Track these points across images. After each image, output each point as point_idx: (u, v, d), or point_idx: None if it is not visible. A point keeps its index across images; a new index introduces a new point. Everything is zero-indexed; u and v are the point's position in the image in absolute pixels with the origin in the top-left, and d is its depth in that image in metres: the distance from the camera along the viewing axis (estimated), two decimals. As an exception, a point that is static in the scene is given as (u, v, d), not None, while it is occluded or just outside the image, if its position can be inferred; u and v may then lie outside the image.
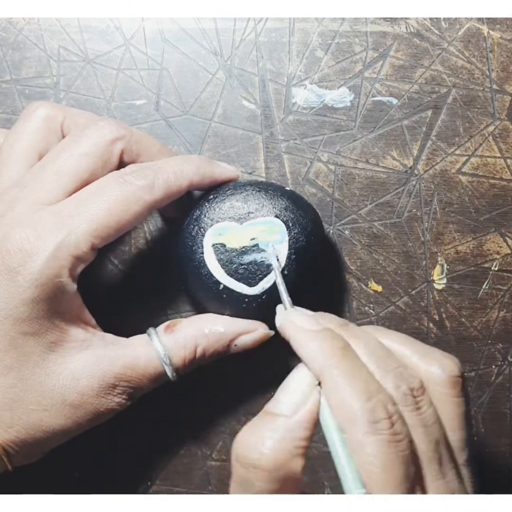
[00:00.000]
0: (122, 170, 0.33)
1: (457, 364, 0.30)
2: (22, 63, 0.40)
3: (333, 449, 0.28)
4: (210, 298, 0.35)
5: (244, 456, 0.27)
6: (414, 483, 0.27)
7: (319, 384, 0.29)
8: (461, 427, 0.29)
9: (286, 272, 0.34)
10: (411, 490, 0.27)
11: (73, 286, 0.32)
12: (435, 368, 0.30)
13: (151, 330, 0.34)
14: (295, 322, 0.31)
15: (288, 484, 0.27)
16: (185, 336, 0.34)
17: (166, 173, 0.33)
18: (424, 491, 0.27)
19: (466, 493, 0.28)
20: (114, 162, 0.33)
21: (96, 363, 0.32)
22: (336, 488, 0.29)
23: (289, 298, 0.33)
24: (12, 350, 0.31)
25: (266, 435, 0.27)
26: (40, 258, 0.30)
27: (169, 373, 0.33)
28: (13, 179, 0.33)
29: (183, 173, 0.33)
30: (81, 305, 0.33)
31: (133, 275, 0.39)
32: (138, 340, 0.34)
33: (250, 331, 0.35)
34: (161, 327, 0.34)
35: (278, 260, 0.34)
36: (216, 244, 0.34)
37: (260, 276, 0.34)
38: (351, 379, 0.28)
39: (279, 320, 0.33)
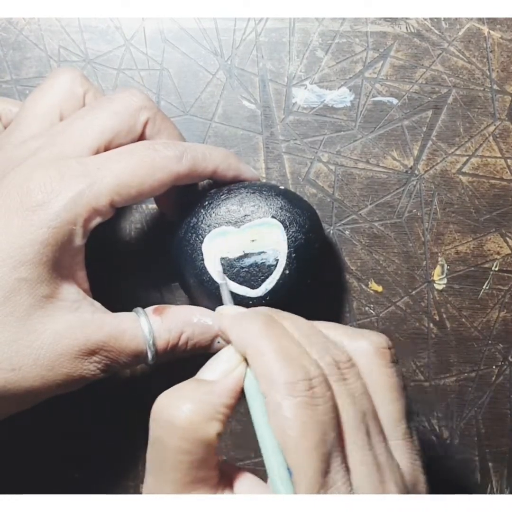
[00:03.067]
0: (152, 140, 0.34)
1: (383, 337, 0.30)
2: (22, 63, 0.40)
3: (254, 420, 0.28)
4: (214, 303, 0.35)
5: (163, 413, 0.28)
6: (333, 449, 0.26)
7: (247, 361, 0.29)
8: (394, 398, 0.29)
9: (287, 271, 0.34)
10: (327, 456, 0.26)
11: (82, 240, 0.32)
12: (362, 342, 0.30)
13: (139, 309, 0.34)
14: (223, 311, 0.33)
15: (202, 448, 0.27)
16: (173, 321, 0.34)
17: (195, 151, 0.34)
18: (345, 460, 0.27)
19: (399, 468, 0.28)
20: (138, 129, 0.34)
21: (80, 327, 0.32)
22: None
23: (230, 298, 0.34)
24: (0, 297, 0.30)
25: (187, 396, 0.28)
26: (59, 200, 0.30)
27: (149, 354, 0.33)
28: (34, 134, 0.33)
29: (212, 156, 0.34)
30: (82, 264, 0.33)
31: (129, 268, 0.39)
32: (125, 315, 0.33)
33: None
34: (150, 308, 0.34)
35: (222, 269, 0.34)
36: (216, 249, 0.34)
37: (262, 277, 0.34)
38: (275, 345, 0.28)
39: (214, 322, 0.34)
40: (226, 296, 0.34)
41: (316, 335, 0.29)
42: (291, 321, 0.30)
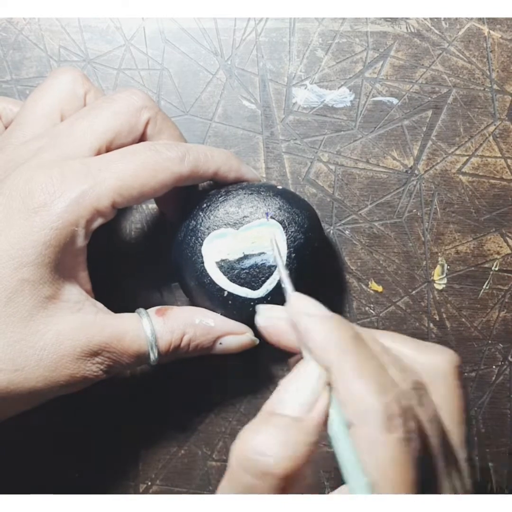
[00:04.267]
0: (154, 141, 0.34)
1: (455, 354, 0.28)
2: (22, 63, 0.40)
3: (338, 448, 0.25)
4: (216, 305, 0.35)
5: (252, 461, 0.25)
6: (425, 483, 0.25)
7: (329, 384, 0.26)
8: (463, 421, 0.28)
9: (287, 271, 0.34)
10: (421, 492, 0.25)
11: (84, 241, 0.32)
12: (435, 358, 0.28)
13: (141, 310, 0.34)
14: (300, 307, 0.28)
15: (296, 490, 0.25)
16: (175, 322, 0.34)
17: (197, 152, 0.34)
18: (436, 491, 0.26)
19: (466, 491, 0.27)
20: (139, 129, 0.34)
21: (83, 328, 0.32)
22: (336, 488, 0.28)
23: (292, 286, 0.31)
24: (3, 299, 0.30)
25: (277, 439, 0.25)
26: (61, 201, 0.30)
27: (152, 355, 0.33)
28: (35, 135, 0.33)
29: (214, 158, 0.34)
30: (84, 265, 0.33)
31: (129, 268, 0.39)
32: (128, 316, 0.33)
33: (238, 333, 0.35)
34: (153, 309, 0.34)
35: (277, 246, 0.33)
36: (215, 252, 0.34)
37: (263, 278, 0.34)
38: (363, 371, 0.25)
39: (262, 319, 0.30)
40: (288, 285, 0.30)
41: (389, 354, 0.27)
42: (364, 334, 0.27)
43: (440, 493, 0.26)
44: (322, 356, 0.26)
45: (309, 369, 0.26)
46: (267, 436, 0.25)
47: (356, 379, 0.25)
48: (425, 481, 0.25)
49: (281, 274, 0.31)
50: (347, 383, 0.25)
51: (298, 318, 0.27)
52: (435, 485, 0.26)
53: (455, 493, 0.26)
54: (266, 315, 0.30)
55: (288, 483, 0.25)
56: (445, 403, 0.27)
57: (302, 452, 0.25)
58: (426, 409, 0.26)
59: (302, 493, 0.26)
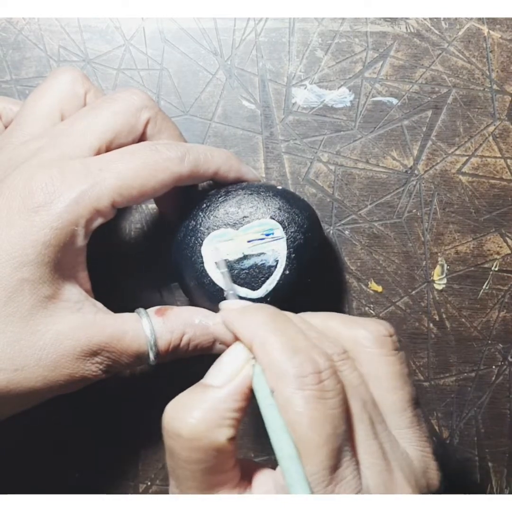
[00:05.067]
0: (154, 141, 0.34)
1: (383, 325, 0.30)
2: (22, 63, 0.40)
3: (264, 416, 0.27)
4: (216, 306, 0.35)
5: (170, 424, 0.27)
6: (344, 443, 0.26)
7: (254, 358, 0.28)
8: (398, 386, 0.29)
9: (287, 271, 0.34)
10: (338, 451, 0.26)
11: (84, 241, 0.32)
12: (360, 331, 0.29)
13: (141, 310, 0.34)
14: (227, 305, 0.32)
15: (214, 455, 0.27)
16: (175, 322, 0.34)
17: (197, 152, 0.34)
18: (354, 452, 0.27)
19: (407, 455, 0.28)
20: (139, 129, 0.34)
21: (83, 328, 0.32)
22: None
23: (233, 291, 0.34)
24: (3, 298, 0.30)
25: (193, 405, 0.27)
26: (61, 201, 0.30)
27: (151, 355, 0.33)
28: (35, 134, 0.33)
29: (214, 158, 0.34)
30: (83, 264, 0.33)
31: (128, 268, 0.39)
32: (127, 315, 0.33)
33: None
34: (152, 309, 0.34)
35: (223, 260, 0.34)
36: (215, 252, 0.34)
37: (263, 278, 0.34)
38: (279, 336, 0.27)
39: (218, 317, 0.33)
40: (228, 283, 0.34)
41: (311, 330, 0.29)
42: (290, 315, 0.30)
43: (361, 455, 0.27)
44: (244, 335, 0.29)
45: (234, 346, 0.29)
46: (186, 402, 0.27)
47: (272, 345, 0.27)
48: (345, 440, 0.26)
49: (224, 276, 0.34)
50: (265, 351, 0.27)
51: (224, 315, 0.31)
52: (356, 446, 0.27)
53: (384, 457, 0.27)
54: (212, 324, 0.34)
55: (200, 446, 0.27)
56: (371, 371, 0.29)
57: (213, 417, 0.27)
58: (349, 376, 0.28)
59: (227, 460, 0.27)
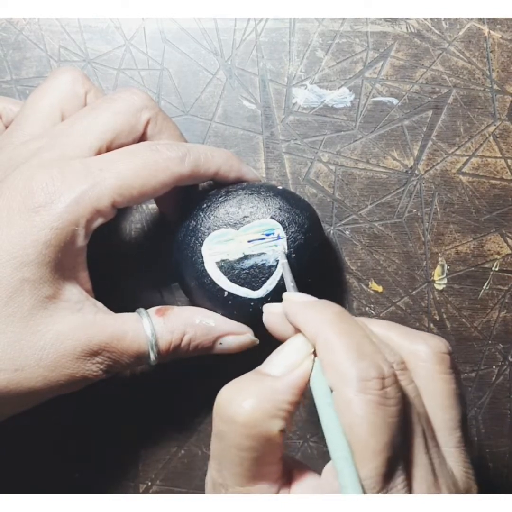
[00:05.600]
0: (155, 141, 0.34)
1: (443, 342, 0.30)
2: (22, 63, 0.40)
3: (321, 415, 0.27)
4: (216, 306, 0.35)
5: (224, 409, 0.27)
6: (399, 453, 0.26)
7: (314, 352, 0.28)
8: (452, 405, 0.29)
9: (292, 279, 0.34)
10: (393, 460, 0.26)
11: (84, 241, 0.32)
12: (420, 345, 0.29)
13: (141, 310, 0.34)
14: (292, 298, 0.31)
15: (265, 444, 0.27)
16: (175, 322, 0.34)
17: (197, 152, 0.34)
18: (408, 464, 0.27)
19: (453, 474, 0.28)
20: (139, 129, 0.34)
21: (83, 328, 0.32)
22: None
23: (293, 283, 0.33)
24: (4, 298, 0.30)
25: (250, 392, 0.27)
26: (62, 201, 0.30)
27: (152, 355, 0.33)
28: (35, 135, 0.33)
29: (214, 158, 0.34)
30: (84, 264, 0.33)
31: (128, 268, 0.39)
32: (128, 315, 0.33)
33: (238, 333, 0.35)
34: (153, 309, 0.34)
35: (284, 251, 0.34)
36: (215, 252, 0.34)
37: (263, 278, 0.34)
38: (345, 338, 0.27)
39: (264, 315, 0.33)
40: (288, 278, 0.33)
41: (374, 337, 0.29)
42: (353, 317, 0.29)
43: (413, 467, 0.27)
44: (308, 329, 0.28)
45: (296, 338, 0.29)
46: (242, 388, 0.27)
47: (337, 346, 0.27)
48: (400, 449, 0.26)
49: (284, 270, 0.34)
50: (329, 350, 0.27)
51: (287, 305, 0.31)
52: (410, 457, 0.27)
53: (434, 472, 0.27)
54: (265, 311, 0.33)
55: (252, 434, 0.26)
56: (427, 387, 0.29)
57: (268, 407, 0.27)
58: (406, 387, 0.28)
59: (274, 452, 0.27)
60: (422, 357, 0.29)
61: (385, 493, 0.26)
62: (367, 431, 0.25)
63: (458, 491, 0.28)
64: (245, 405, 0.27)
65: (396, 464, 0.26)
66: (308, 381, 0.28)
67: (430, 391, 0.29)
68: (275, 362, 0.29)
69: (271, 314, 0.32)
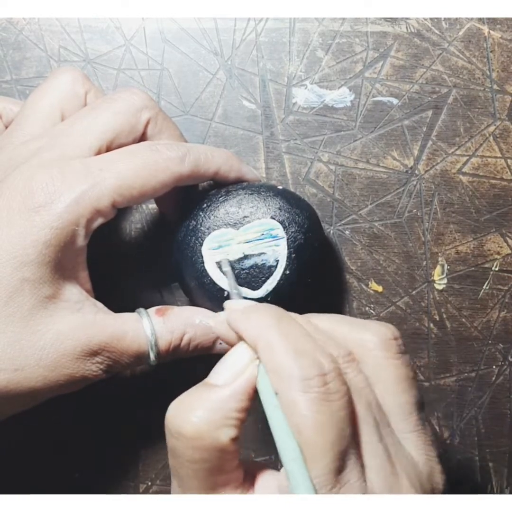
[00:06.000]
0: (155, 141, 0.34)
1: (389, 327, 0.30)
2: (22, 63, 0.40)
3: (269, 418, 0.27)
4: (216, 306, 0.35)
5: (172, 424, 0.27)
6: (350, 446, 0.26)
7: (258, 358, 0.28)
8: (403, 390, 0.29)
9: (288, 271, 0.34)
10: (343, 454, 0.26)
11: (84, 241, 0.32)
12: (366, 335, 0.29)
13: (141, 310, 0.34)
14: (232, 306, 0.32)
15: (217, 455, 0.27)
16: (175, 322, 0.34)
17: (197, 152, 0.34)
18: (360, 455, 0.27)
19: (412, 459, 0.28)
20: (139, 129, 0.34)
21: (83, 328, 0.32)
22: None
23: (236, 291, 0.33)
24: (4, 298, 0.30)
25: (197, 405, 0.27)
26: (62, 201, 0.30)
27: (151, 355, 0.33)
28: (35, 135, 0.33)
29: (214, 158, 0.34)
30: (84, 265, 0.33)
31: (128, 268, 0.39)
32: (128, 315, 0.33)
33: None
34: (153, 309, 0.34)
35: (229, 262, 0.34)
36: (215, 252, 0.34)
37: (263, 278, 0.34)
38: (284, 339, 0.27)
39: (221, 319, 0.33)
40: (231, 283, 0.34)
41: (317, 333, 0.29)
42: (295, 316, 0.30)
43: (367, 457, 0.27)
44: (249, 335, 0.28)
45: (239, 346, 0.29)
46: (189, 401, 0.27)
47: (277, 347, 0.27)
48: (351, 442, 0.26)
49: (228, 277, 0.34)
50: (270, 353, 0.27)
51: (228, 314, 0.31)
52: (363, 448, 0.27)
53: (390, 460, 0.27)
54: (213, 322, 0.34)
55: (202, 446, 0.26)
56: (377, 375, 0.29)
57: (216, 417, 0.27)
58: (354, 378, 0.28)
59: (230, 460, 0.27)
60: (369, 346, 0.29)
61: (340, 488, 0.26)
62: (313, 430, 0.26)
63: (418, 475, 0.28)
64: (192, 418, 0.27)
65: (347, 458, 0.26)
66: (255, 386, 0.28)
67: (380, 379, 0.29)
68: (220, 371, 0.29)
69: (219, 323, 0.32)
